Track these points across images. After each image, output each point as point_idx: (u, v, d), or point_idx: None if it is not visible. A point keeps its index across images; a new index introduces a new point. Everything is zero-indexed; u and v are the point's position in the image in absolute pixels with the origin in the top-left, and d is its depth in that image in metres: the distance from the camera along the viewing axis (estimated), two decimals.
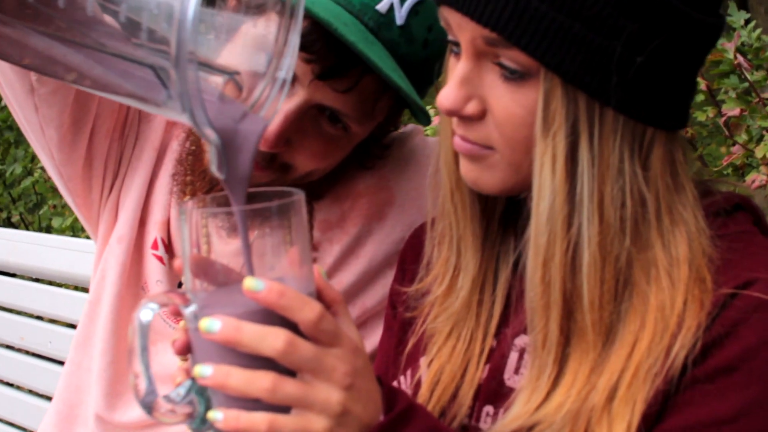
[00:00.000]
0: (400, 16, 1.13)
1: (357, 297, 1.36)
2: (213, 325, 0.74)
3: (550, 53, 0.86)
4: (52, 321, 2.35)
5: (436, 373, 1.03)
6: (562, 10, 0.85)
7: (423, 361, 1.07)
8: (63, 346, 2.18)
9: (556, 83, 0.87)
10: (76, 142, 1.35)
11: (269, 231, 0.77)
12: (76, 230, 3.51)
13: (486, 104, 0.92)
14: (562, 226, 0.89)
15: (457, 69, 0.93)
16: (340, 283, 1.34)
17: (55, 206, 3.83)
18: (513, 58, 0.88)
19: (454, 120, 0.96)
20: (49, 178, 2.34)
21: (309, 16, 1.06)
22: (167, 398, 0.77)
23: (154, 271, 1.36)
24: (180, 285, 1.34)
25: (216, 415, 0.76)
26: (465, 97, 0.92)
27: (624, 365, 0.89)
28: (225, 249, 1.26)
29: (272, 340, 0.74)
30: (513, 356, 1.01)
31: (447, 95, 0.92)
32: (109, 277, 1.37)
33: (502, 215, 1.06)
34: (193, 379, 0.77)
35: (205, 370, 0.75)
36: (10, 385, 2.44)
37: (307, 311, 0.76)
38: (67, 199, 1.45)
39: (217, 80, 0.85)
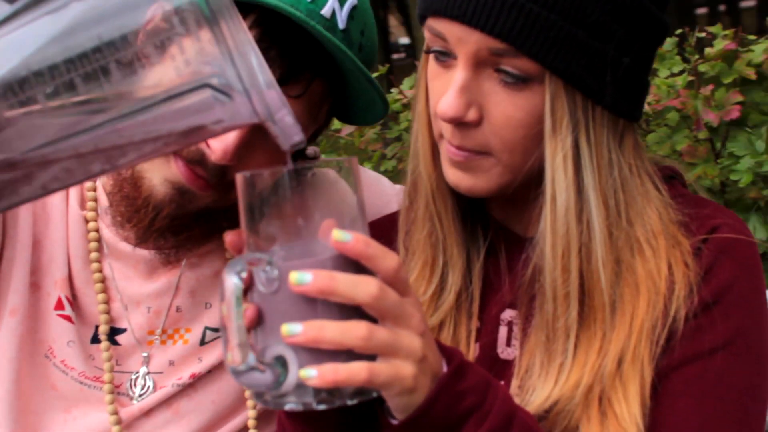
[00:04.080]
0: (341, 20, 1.14)
1: None
2: (304, 276, 0.72)
3: (558, 59, 0.94)
4: None
5: None
6: (568, 19, 0.93)
7: None
8: None
9: (560, 86, 0.95)
10: None
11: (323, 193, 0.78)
12: None
13: (483, 110, 0.98)
14: (575, 218, 0.98)
15: (455, 78, 0.97)
16: None
17: None
18: (518, 65, 0.94)
19: (448, 130, 1.01)
20: None
21: (263, 10, 1.07)
22: (259, 366, 0.74)
23: (62, 333, 1.26)
24: (96, 339, 1.27)
25: (309, 372, 0.73)
26: (466, 104, 0.97)
27: (627, 333, 0.98)
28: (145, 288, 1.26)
29: (365, 286, 0.74)
30: (502, 330, 1.09)
31: (450, 104, 0.97)
32: (7, 352, 1.24)
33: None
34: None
35: (294, 328, 0.73)
36: None
37: (389, 260, 0.76)
38: None
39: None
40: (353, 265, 0.76)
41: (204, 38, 0.70)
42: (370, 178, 1.46)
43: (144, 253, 1.27)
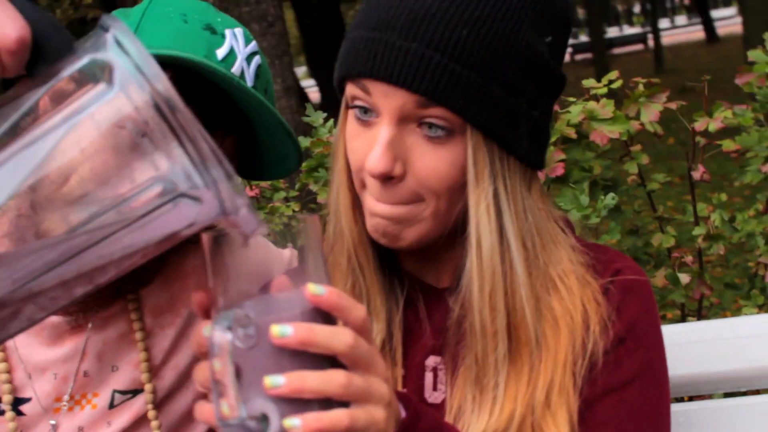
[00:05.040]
0: (249, 78, 1.18)
1: (191, 379, 1.32)
2: (285, 329, 0.75)
3: (479, 113, 1.01)
4: None
5: None
6: (486, 76, 1.00)
7: None
8: None
9: (479, 139, 1.02)
10: None
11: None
12: None
13: (407, 165, 1.02)
14: (500, 260, 1.03)
15: (381, 134, 1.01)
16: (177, 367, 1.31)
17: None
18: (442, 116, 0.99)
19: (375, 187, 1.04)
20: None
21: (178, 68, 1.08)
22: (249, 421, 0.76)
23: None
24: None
25: (293, 422, 0.75)
26: (393, 159, 1.02)
27: (553, 365, 1.06)
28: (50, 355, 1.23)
29: (342, 336, 0.77)
30: (428, 376, 1.14)
31: (378, 159, 1.01)
32: None
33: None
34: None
35: (277, 380, 0.75)
36: None
37: (358, 310, 0.80)
38: None
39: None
40: (323, 316, 0.79)
41: (173, 152, 0.71)
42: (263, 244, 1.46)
43: (48, 318, 1.18)
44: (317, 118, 2.36)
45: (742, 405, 1.53)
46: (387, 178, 1.03)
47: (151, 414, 1.27)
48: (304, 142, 2.30)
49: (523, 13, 1.02)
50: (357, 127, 1.06)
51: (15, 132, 0.72)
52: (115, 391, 1.27)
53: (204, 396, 0.82)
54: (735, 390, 1.58)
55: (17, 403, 1.23)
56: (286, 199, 2.48)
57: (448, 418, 1.07)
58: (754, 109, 2.19)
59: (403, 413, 0.87)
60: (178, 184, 0.71)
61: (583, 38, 35.34)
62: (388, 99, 1.01)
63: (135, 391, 1.28)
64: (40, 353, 1.24)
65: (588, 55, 25.19)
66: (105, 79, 0.71)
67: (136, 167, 0.72)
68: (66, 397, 1.24)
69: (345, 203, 1.12)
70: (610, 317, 1.08)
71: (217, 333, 0.76)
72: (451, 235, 1.09)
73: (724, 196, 2.13)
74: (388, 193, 1.04)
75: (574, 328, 1.07)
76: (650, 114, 2.13)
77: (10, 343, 1.23)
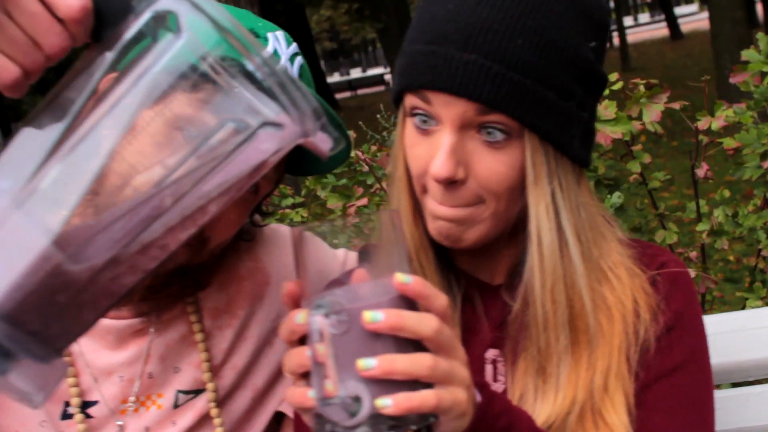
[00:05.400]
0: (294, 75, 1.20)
1: (249, 379, 1.38)
2: (377, 315, 0.81)
3: (536, 118, 1.07)
4: None
5: None
6: (541, 83, 1.06)
7: None
8: None
9: (536, 141, 1.08)
10: None
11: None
12: None
13: (468, 169, 1.08)
14: (559, 256, 1.10)
15: (443, 141, 1.07)
16: (236, 367, 1.36)
17: None
18: (501, 124, 1.06)
19: (438, 192, 1.10)
20: None
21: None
22: (347, 400, 0.81)
23: (30, 416, 1.26)
24: (66, 416, 1.27)
25: (384, 401, 0.80)
26: (455, 164, 1.07)
27: (608, 352, 1.11)
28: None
29: (428, 321, 0.83)
30: (488, 368, 1.20)
31: (442, 165, 1.07)
32: None
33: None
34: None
35: (369, 362, 0.80)
36: None
37: (441, 298, 0.86)
38: None
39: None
40: (408, 303, 0.84)
41: (246, 85, 0.75)
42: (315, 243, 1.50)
43: (111, 323, 1.26)
44: None
45: (751, 394, 1.59)
46: (450, 182, 1.08)
47: (213, 412, 1.31)
48: None
49: (569, 21, 1.08)
50: (417, 135, 1.12)
51: (98, 97, 0.74)
52: (178, 391, 1.31)
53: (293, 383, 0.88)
54: (743, 380, 1.64)
55: (84, 406, 1.27)
56: (293, 206, 2.51)
57: None
58: (748, 107, 2.25)
59: (479, 397, 0.93)
60: (257, 114, 0.74)
61: None
62: (449, 108, 1.06)
63: (197, 391, 1.32)
64: (106, 357, 1.28)
65: None
66: (170, 28, 0.74)
67: (214, 107, 0.76)
68: (132, 399, 1.28)
69: (406, 208, 1.17)
70: (659, 306, 1.14)
71: (316, 319, 0.81)
72: (506, 234, 1.15)
73: (726, 193, 2.19)
74: (450, 196, 1.09)
75: (626, 315, 1.14)
76: (652, 114, 2.19)
77: (76, 349, 1.27)
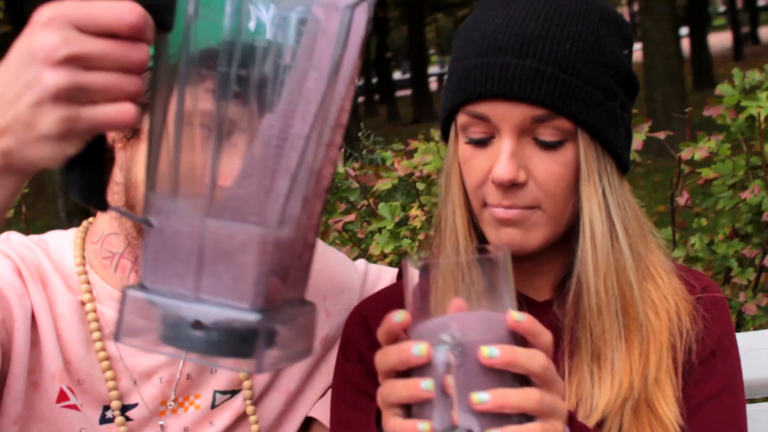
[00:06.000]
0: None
1: (281, 381, 1.40)
2: (493, 351, 0.85)
3: (587, 116, 1.15)
4: None
5: None
6: (590, 83, 1.15)
7: None
8: None
9: (587, 140, 1.17)
10: None
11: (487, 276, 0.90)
12: None
13: (528, 172, 1.14)
14: (610, 246, 1.19)
15: (504, 147, 1.14)
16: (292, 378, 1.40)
17: None
18: (555, 126, 1.13)
19: (498, 195, 1.16)
20: None
21: None
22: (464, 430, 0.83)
23: (70, 422, 1.25)
24: (104, 420, 1.27)
25: None
26: (516, 168, 1.14)
27: (659, 343, 1.18)
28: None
29: (538, 358, 0.87)
30: None
31: (505, 169, 1.13)
32: None
33: None
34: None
35: (483, 396, 0.84)
36: None
37: (547, 335, 0.91)
38: None
39: None
40: (516, 338, 0.88)
41: None
42: (333, 253, 1.52)
43: None
44: None
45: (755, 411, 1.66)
46: (511, 186, 1.15)
47: (249, 410, 1.35)
48: None
49: (605, 29, 1.18)
50: (472, 149, 1.18)
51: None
52: (215, 391, 1.34)
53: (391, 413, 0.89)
54: None
55: (124, 409, 1.29)
56: None
57: (569, 395, 1.18)
58: (723, 140, 2.35)
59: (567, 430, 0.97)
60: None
61: None
62: (507, 116, 1.14)
63: (233, 392, 1.35)
64: (145, 359, 1.29)
65: None
66: None
67: None
68: (171, 400, 1.31)
69: (462, 222, 1.22)
70: (702, 326, 1.22)
71: (443, 353, 0.83)
72: (555, 243, 1.21)
73: (704, 221, 2.27)
74: (512, 196, 1.16)
75: (670, 313, 1.21)
76: (633, 143, 2.26)
77: (114, 353, 1.27)
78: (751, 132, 2.30)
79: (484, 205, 1.19)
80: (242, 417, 1.35)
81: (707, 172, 2.28)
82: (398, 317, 0.89)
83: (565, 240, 1.22)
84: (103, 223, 1.31)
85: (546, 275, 1.27)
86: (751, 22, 34.16)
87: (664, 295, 1.22)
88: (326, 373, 1.43)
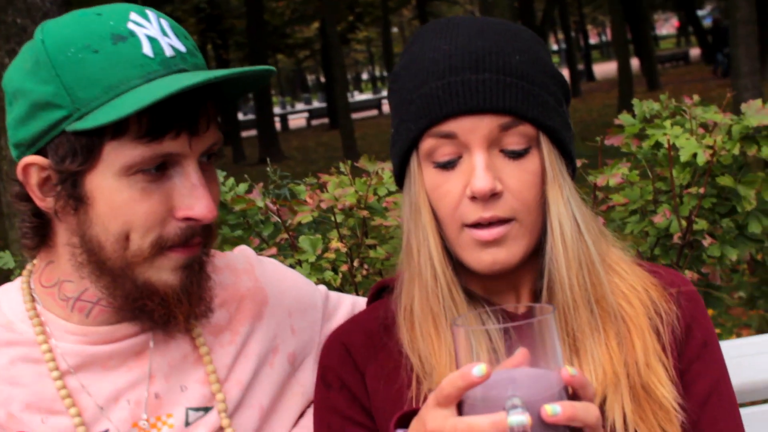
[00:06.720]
0: (179, 44, 1.25)
1: (254, 396, 1.40)
2: (556, 408, 0.94)
3: (547, 119, 1.23)
4: None
5: None
6: (543, 90, 1.24)
7: None
8: None
9: (549, 144, 1.24)
10: None
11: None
12: None
13: (501, 182, 1.22)
14: (578, 241, 1.25)
15: (476, 161, 1.21)
16: (240, 382, 1.38)
17: None
18: (520, 132, 1.22)
19: (477, 209, 1.20)
20: None
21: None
22: None
23: None
24: None
25: None
26: (493, 178, 1.19)
27: (640, 332, 1.26)
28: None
29: (593, 411, 0.97)
30: None
31: (484, 180, 1.19)
32: None
33: None
34: None
35: None
36: None
37: (592, 387, 0.99)
38: None
39: None
40: (567, 391, 0.96)
41: None
42: (297, 275, 1.58)
43: (112, 348, 1.28)
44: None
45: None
46: (491, 197, 1.19)
47: (225, 422, 1.33)
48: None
49: (537, 44, 1.29)
50: (440, 175, 1.23)
51: None
52: (188, 409, 1.33)
53: None
54: None
55: None
56: None
57: None
58: (631, 167, 2.44)
59: None
60: None
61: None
62: (475, 130, 1.20)
63: (206, 408, 1.33)
64: (109, 383, 1.29)
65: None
66: None
67: None
68: (142, 420, 1.30)
69: (436, 250, 1.26)
70: (693, 319, 1.31)
71: (518, 416, 0.92)
72: (529, 256, 1.27)
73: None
74: (492, 208, 1.20)
75: (642, 299, 1.28)
76: None
77: (75, 386, 1.27)
78: (655, 159, 2.41)
79: (462, 228, 1.22)
80: None
81: (618, 198, 2.36)
82: (478, 371, 0.95)
83: (535, 253, 1.27)
84: (57, 270, 1.30)
85: (522, 288, 1.32)
86: (584, 59, 36.28)
87: (631, 284, 1.28)
88: (299, 393, 1.45)
